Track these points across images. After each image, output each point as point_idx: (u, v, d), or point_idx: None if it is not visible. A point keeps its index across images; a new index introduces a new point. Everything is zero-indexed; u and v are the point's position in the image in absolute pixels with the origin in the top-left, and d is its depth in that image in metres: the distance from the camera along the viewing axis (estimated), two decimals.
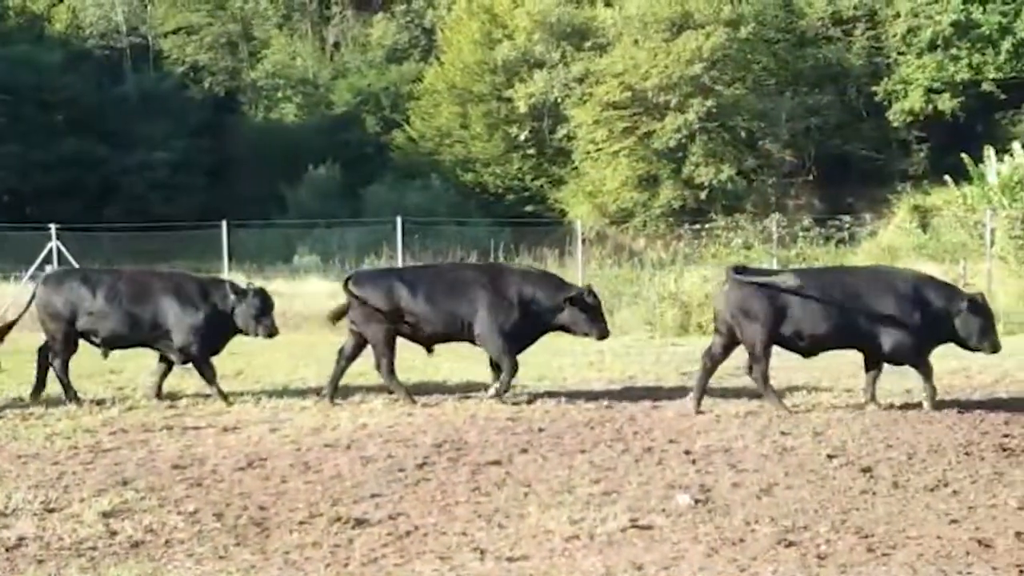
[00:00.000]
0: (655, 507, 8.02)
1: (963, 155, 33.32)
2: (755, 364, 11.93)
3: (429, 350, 13.22)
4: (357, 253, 30.52)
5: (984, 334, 11.77)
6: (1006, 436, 10.49)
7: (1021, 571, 6.59)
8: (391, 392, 12.64)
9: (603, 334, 12.89)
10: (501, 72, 46.42)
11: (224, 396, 12.53)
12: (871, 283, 12.02)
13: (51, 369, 12.66)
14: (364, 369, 15.20)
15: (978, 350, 12.05)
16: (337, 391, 12.68)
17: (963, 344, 11.97)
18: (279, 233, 38.25)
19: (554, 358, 16.27)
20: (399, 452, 9.88)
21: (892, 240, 32.14)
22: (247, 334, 12.88)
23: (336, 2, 58.50)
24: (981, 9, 42.58)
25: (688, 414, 11.65)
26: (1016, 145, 33.36)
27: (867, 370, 12.11)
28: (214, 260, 26.36)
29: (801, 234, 27.33)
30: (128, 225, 32.30)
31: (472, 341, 12.79)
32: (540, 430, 10.90)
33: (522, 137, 46.00)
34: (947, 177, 34.87)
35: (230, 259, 26.53)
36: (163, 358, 12.96)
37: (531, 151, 46.55)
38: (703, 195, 41.50)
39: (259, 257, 31.05)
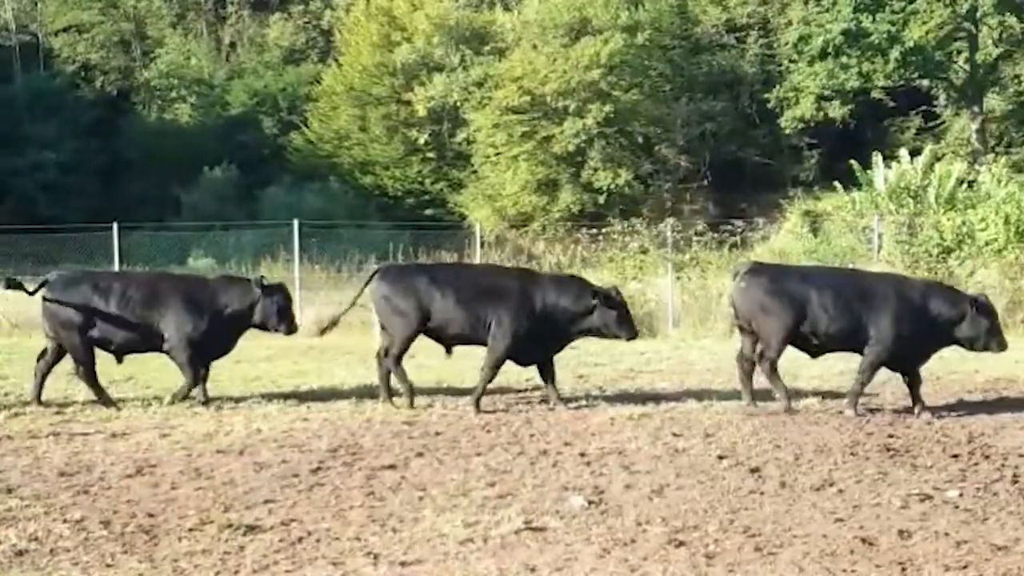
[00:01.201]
0: (549, 509, 8.08)
1: (852, 161, 34.06)
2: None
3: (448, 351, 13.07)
4: (253, 256, 30.18)
5: (991, 334, 11.99)
6: (891, 436, 10.76)
7: (903, 568, 6.76)
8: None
9: (632, 335, 12.72)
10: (400, 75, 46.28)
11: (175, 400, 12.39)
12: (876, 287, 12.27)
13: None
14: (259, 373, 15.11)
15: (987, 350, 12.28)
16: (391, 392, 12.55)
17: (970, 346, 12.22)
18: (173, 235, 37.64)
19: (452, 361, 16.28)
20: (293, 457, 9.81)
21: (784, 244, 32.65)
22: (267, 330, 12.92)
23: (232, 1, 57.78)
24: (870, 18, 43.50)
25: (582, 417, 11.75)
26: (903, 152, 34.21)
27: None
28: (105, 263, 25.85)
29: (695, 238, 27.68)
30: (16, 227, 31.52)
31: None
32: (437, 434, 10.91)
33: (421, 140, 45.90)
34: (836, 183, 35.61)
35: (121, 262, 26.03)
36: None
37: (431, 154, 46.47)
38: (601, 199, 41.83)
39: (152, 260, 30.52)
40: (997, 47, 44.83)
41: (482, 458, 9.79)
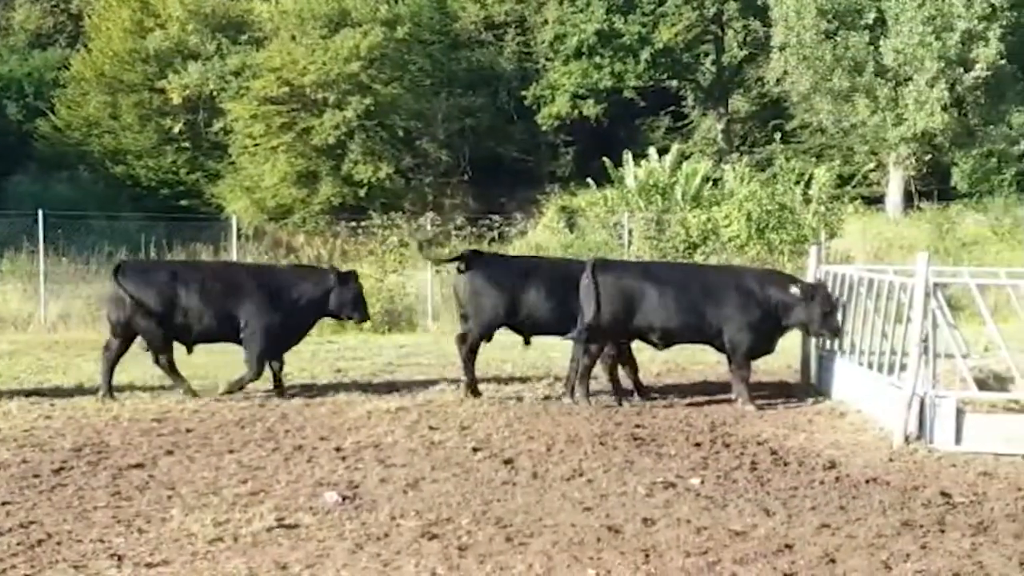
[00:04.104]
0: (303, 505, 8.02)
1: (605, 159, 34.95)
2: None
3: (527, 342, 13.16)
4: None
5: (825, 320, 12.43)
6: (638, 426, 11.13)
7: (647, 555, 6.99)
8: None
9: None
10: (153, 62, 44.87)
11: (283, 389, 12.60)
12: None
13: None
14: None
15: (820, 335, 12.82)
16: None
17: (805, 330, 12.80)
18: None
19: (207, 356, 15.96)
20: (34, 457, 9.44)
21: (541, 239, 33.25)
22: (340, 318, 13.38)
23: None
24: (622, 19, 44.74)
25: (339, 411, 11.71)
26: (652, 150, 35.31)
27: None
28: None
29: (454, 232, 27.93)
30: None
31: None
32: (188, 431, 10.68)
33: (176, 129, 44.64)
34: (589, 180, 36.49)
35: None
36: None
37: (186, 144, 45.22)
38: (362, 192, 41.64)
39: None
40: (742, 50, 46.85)
41: (235, 455, 9.64)
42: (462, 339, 12.61)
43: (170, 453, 9.67)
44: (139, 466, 9.17)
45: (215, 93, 43.45)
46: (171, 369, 12.56)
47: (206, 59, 43.95)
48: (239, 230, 29.36)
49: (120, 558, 6.79)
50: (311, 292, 12.84)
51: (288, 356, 15.15)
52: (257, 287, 12.65)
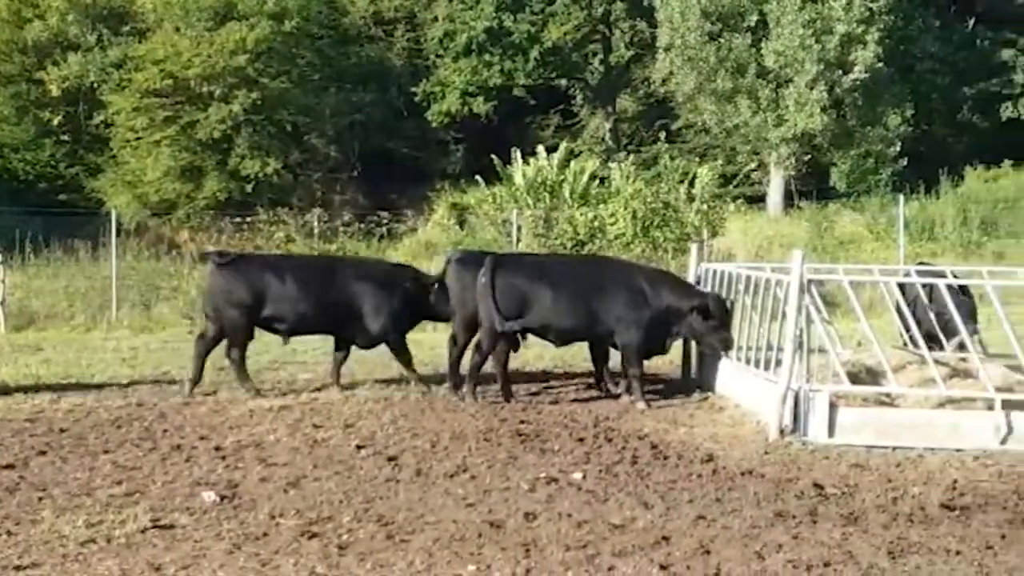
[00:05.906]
0: (179, 506, 7.90)
1: (493, 156, 35.04)
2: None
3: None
4: None
5: (715, 331, 12.43)
6: (523, 422, 11.17)
7: (527, 550, 7.03)
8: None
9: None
10: (32, 53, 43.79)
11: (420, 378, 12.83)
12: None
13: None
14: None
15: (712, 346, 12.75)
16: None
17: (697, 340, 12.88)
18: None
19: (83, 354, 15.67)
20: None
21: (431, 236, 33.17)
22: (441, 319, 13.25)
23: None
24: (512, 17, 44.89)
25: (221, 410, 11.55)
26: (541, 148, 35.49)
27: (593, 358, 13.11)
28: None
29: (342, 229, 27.78)
30: None
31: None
32: (62, 431, 10.46)
33: (55, 122, 43.63)
34: (478, 177, 36.56)
35: None
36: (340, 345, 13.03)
37: (65, 137, 44.24)
38: (249, 188, 41.12)
39: None
40: (629, 50, 47.31)
41: (110, 455, 9.46)
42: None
43: (43, 454, 9.46)
44: (10, 467, 8.96)
45: (96, 85, 42.56)
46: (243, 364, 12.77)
47: (86, 50, 43.05)
48: (120, 225, 28.82)
49: None
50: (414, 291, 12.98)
51: (168, 353, 14.97)
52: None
